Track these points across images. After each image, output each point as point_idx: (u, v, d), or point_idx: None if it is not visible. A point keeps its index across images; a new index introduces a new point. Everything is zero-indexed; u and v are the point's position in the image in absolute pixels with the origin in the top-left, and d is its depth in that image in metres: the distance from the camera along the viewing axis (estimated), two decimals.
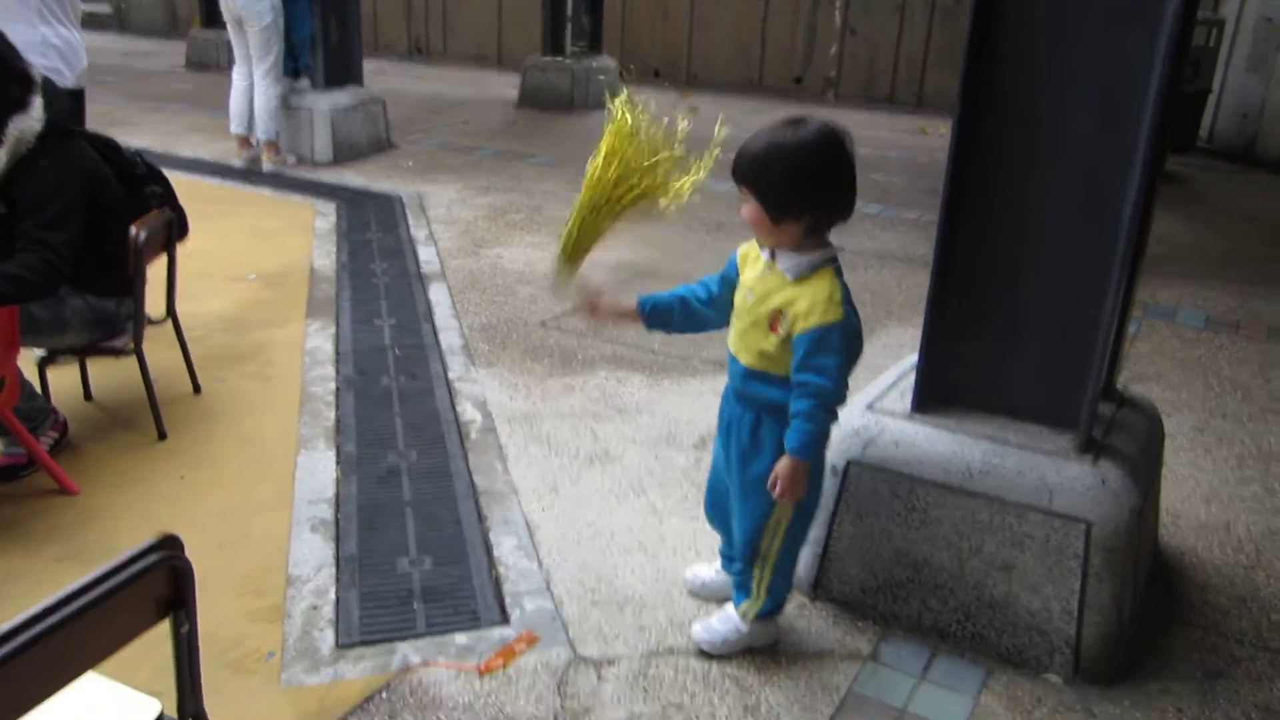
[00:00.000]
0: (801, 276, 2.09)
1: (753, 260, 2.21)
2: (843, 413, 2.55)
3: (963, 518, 2.38)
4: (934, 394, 2.50)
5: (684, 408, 3.65)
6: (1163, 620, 2.58)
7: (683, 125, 2.24)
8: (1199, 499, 3.17)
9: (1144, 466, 2.44)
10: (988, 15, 2.23)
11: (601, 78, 9.99)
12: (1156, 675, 2.38)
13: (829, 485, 2.51)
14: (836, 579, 2.56)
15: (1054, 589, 2.31)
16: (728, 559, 2.52)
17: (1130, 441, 2.45)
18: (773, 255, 2.14)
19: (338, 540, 2.80)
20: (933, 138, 9.32)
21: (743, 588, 2.37)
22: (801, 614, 2.55)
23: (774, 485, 2.14)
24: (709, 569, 2.61)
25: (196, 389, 3.65)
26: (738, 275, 2.25)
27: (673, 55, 12.37)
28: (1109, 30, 2.14)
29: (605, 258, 5.36)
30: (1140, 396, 2.73)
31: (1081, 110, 2.21)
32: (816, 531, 2.57)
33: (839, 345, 2.04)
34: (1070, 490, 2.27)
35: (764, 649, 2.40)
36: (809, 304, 2.05)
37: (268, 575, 2.65)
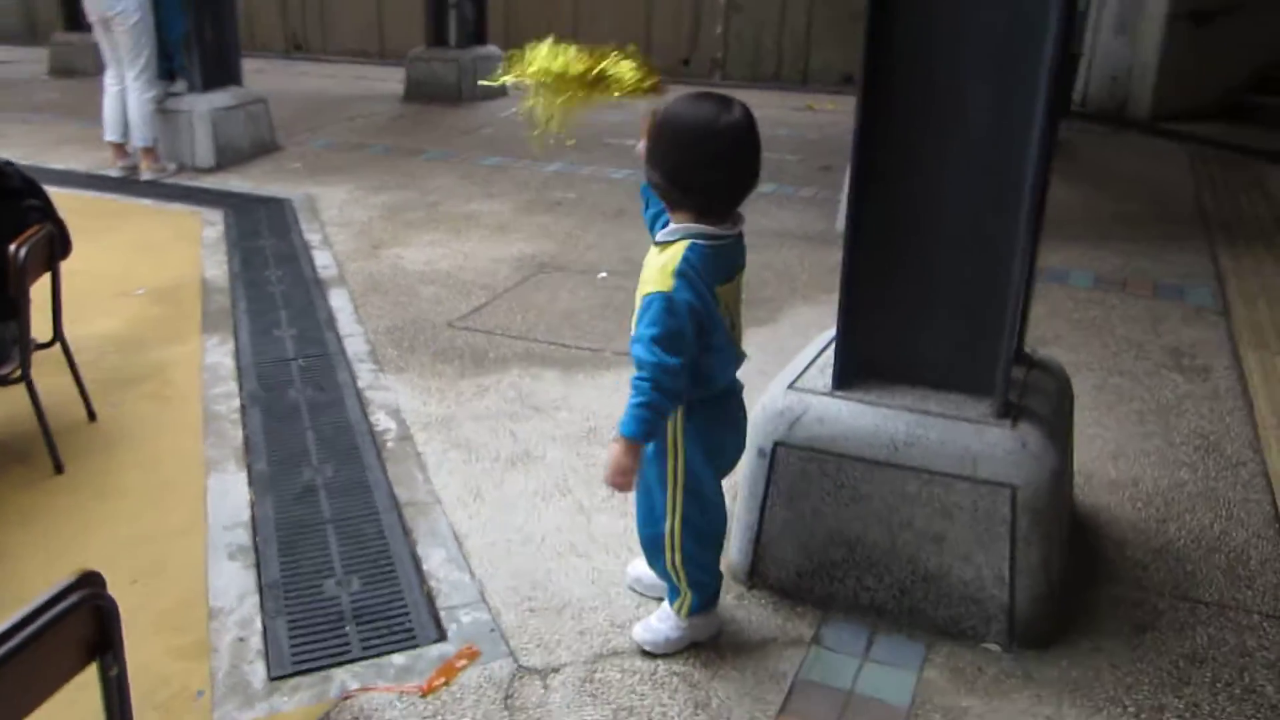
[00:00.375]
0: (657, 244, 2.12)
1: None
2: (767, 394, 2.57)
3: (891, 492, 2.40)
4: (854, 369, 2.51)
5: (601, 401, 3.61)
6: (1086, 578, 2.65)
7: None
8: (1106, 457, 3.27)
9: (1059, 427, 2.50)
10: None
11: (488, 68, 9.84)
12: (1086, 633, 2.44)
13: (757, 469, 2.51)
14: (772, 565, 2.57)
15: (985, 556, 2.35)
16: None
17: (1044, 403, 2.50)
18: None
19: (259, 566, 2.69)
20: (820, 114, 9.43)
21: (672, 587, 2.35)
22: (741, 604, 2.54)
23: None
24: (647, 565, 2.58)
25: (91, 415, 3.47)
26: None
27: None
28: None
29: (506, 252, 5.32)
30: (1049, 359, 2.79)
31: (979, 76, 2.23)
32: (748, 518, 2.57)
33: (658, 316, 2.01)
34: (993, 456, 2.31)
35: (708, 641, 2.39)
36: (647, 272, 2.07)
37: (188, 608, 2.53)
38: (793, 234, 5.64)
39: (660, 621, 2.38)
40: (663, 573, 2.35)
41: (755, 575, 2.59)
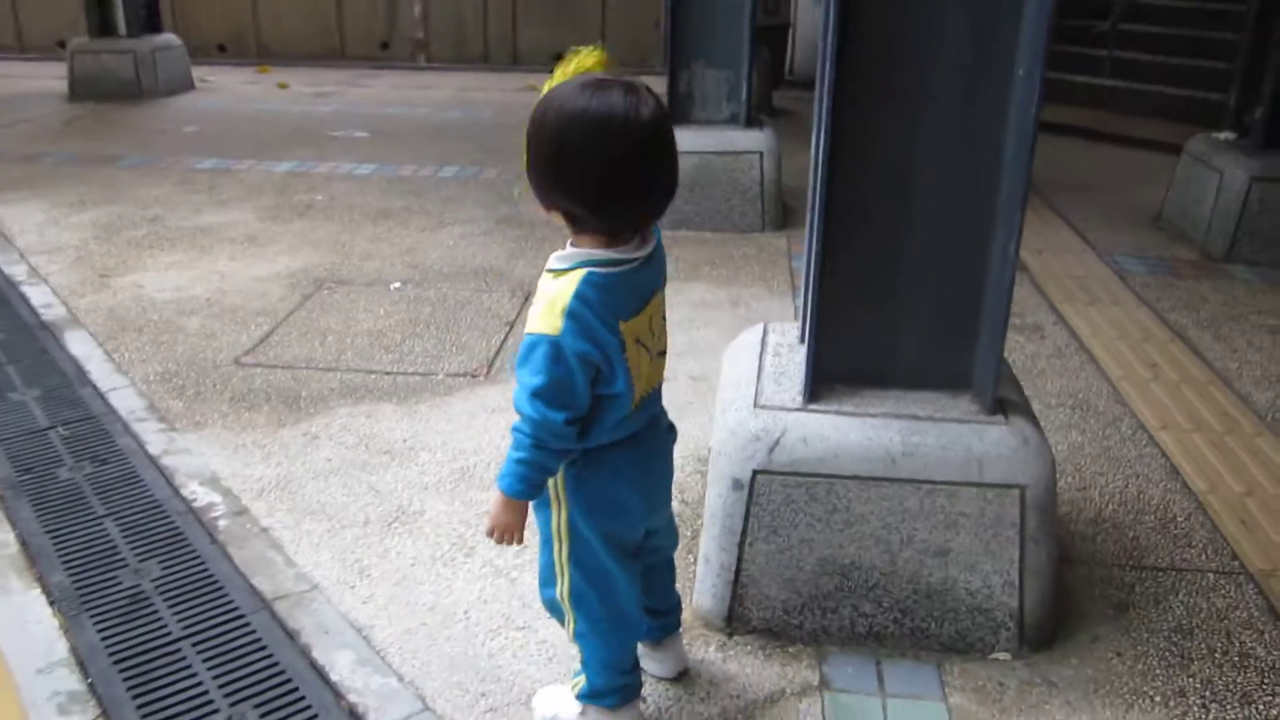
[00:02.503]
0: (551, 271, 1.67)
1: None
2: (731, 416, 2.25)
3: (890, 509, 2.16)
4: (821, 377, 2.25)
5: (459, 435, 3.13)
6: None
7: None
8: None
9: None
10: None
11: (170, 60, 8.70)
12: (1080, 624, 2.34)
13: (733, 503, 2.20)
14: (754, 606, 2.26)
15: (993, 563, 2.18)
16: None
17: (1014, 390, 2.36)
18: None
19: (107, 717, 2.04)
20: None
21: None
22: (726, 655, 2.22)
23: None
24: None
25: None
26: None
27: (237, 28, 11.11)
28: None
29: (269, 269, 4.61)
30: None
31: (956, 28, 2.01)
32: (723, 558, 2.25)
33: (542, 364, 1.61)
34: (999, 457, 2.13)
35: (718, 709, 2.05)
36: (536, 305, 1.65)
37: None
38: None
39: (557, 697, 2.03)
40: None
41: (735, 620, 2.28)
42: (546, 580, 1.90)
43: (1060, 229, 5.24)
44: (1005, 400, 2.24)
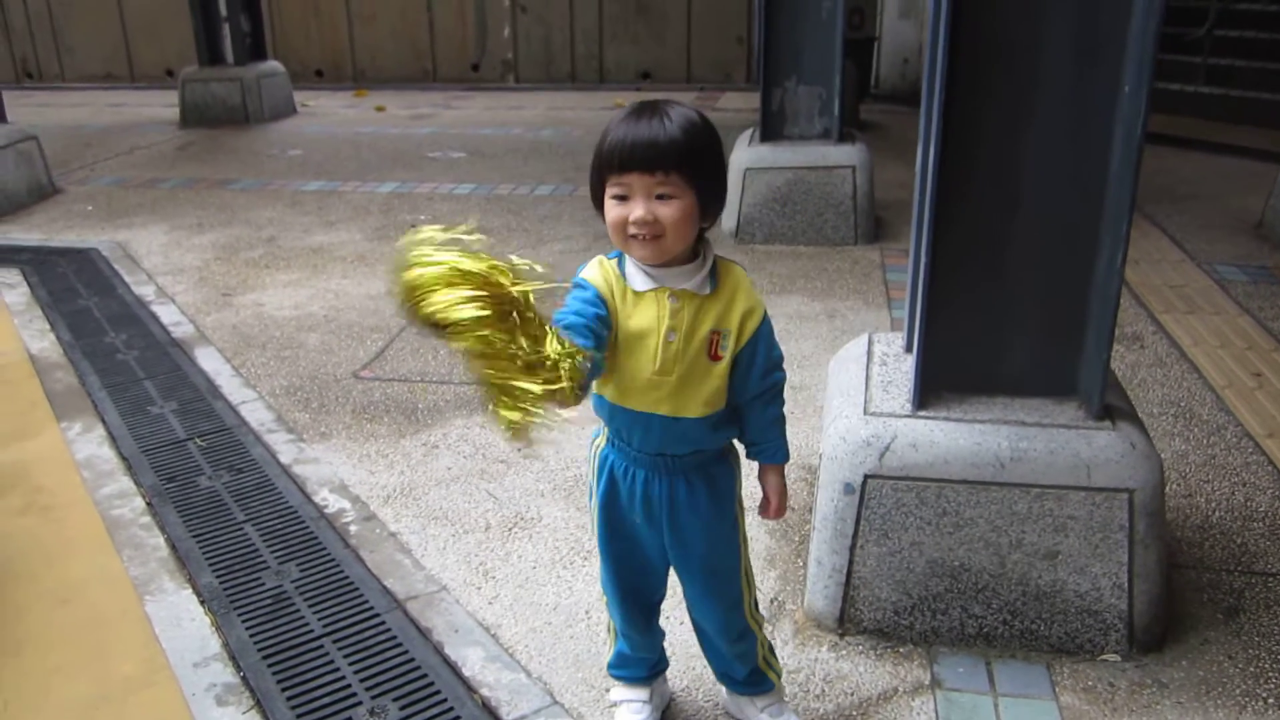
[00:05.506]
0: (716, 285, 1.71)
1: (633, 295, 1.68)
2: (842, 423, 2.33)
3: (999, 513, 2.22)
4: (930, 385, 2.32)
5: (569, 444, 3.26)
6: None
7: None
8: None
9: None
10: None
11: (274, 86, 9.08)
12: (1190, 627, 2.36)
13: (844, 507, 2.28)
14: (866, 607, 2.34)
15: (1102, 566, 2.22)
16: (647, 664, 2.10)
17: (1120, 398, 2.40)
18: (655, 283, 1.68)
19: (262, 708, 2.20)
20: None
21: (755, 672, 2.03)
22: (839, 655, 2.30)
23: (767, 508, 1.89)
24: (640, 713, 2.11)
25: None
26: (608, 315, 1.67)
27: (334, 54, 11.52)
28: None
29: (379, 287, 4.81)
30: None
31: (1061, 41, 2.07)
32: (835, 560, 2.33)
33: (773, 333, 1.79)
34: (1107, 461, 2.17)
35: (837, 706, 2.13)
36: (745, 304, 1.70)
37: None
38: None
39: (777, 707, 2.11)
40: (744, 655, 2.05)
41: (847, 621, 2.35)
42: (739, 587, 1.93)
43: (1157, 239, 5.19)
44: (1112, 406, 2.29)
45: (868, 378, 2.48)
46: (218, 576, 2.66)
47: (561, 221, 5.74)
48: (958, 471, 2.21)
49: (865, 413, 2.32)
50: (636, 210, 1.59)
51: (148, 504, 3.00)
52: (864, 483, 2.26)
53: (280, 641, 2.41)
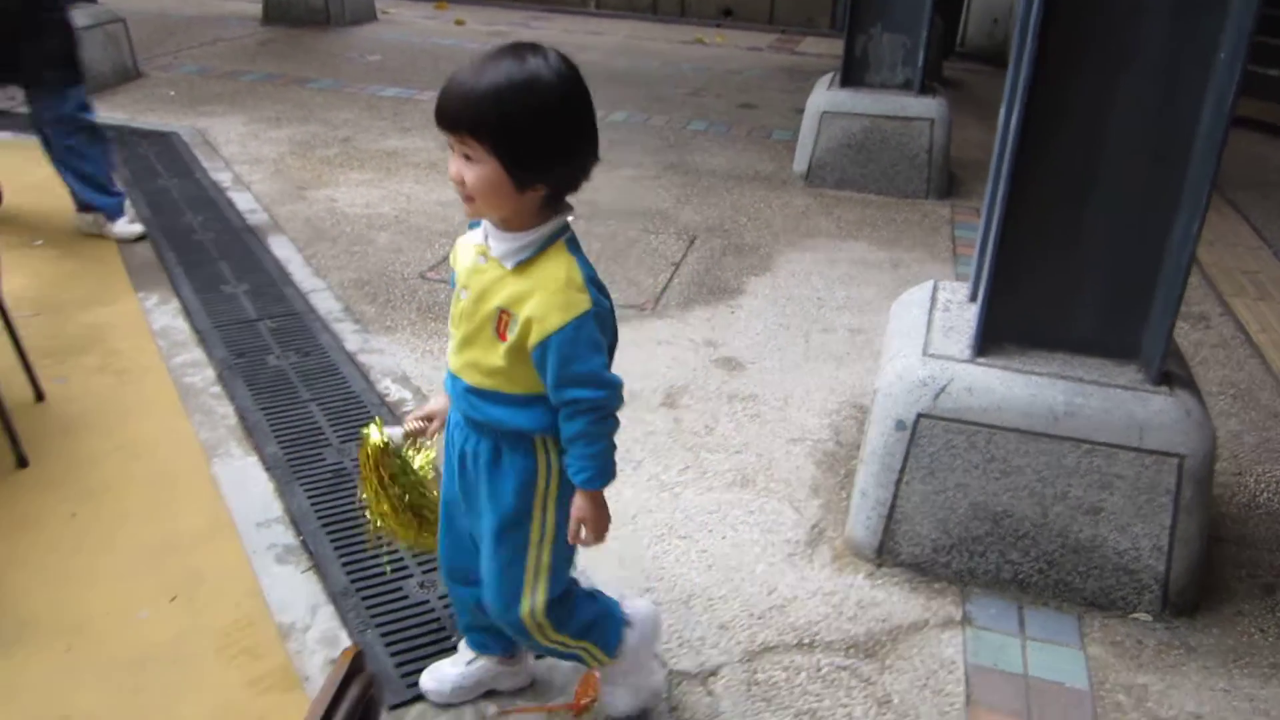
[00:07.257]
0: (524, 262, 1.54)
1: (464, 248, 1.65)
2: (900, 362, 2.37)
3: (1047, 464, 2.26)
4: (992, 334, 2.35)
5: (626, 360, 3.29)
6: None
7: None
8: None
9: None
10: None
11: None
12: (1224, 598, 2.40)
13: (894, 442, 2.33)
14: (905, 541, 2.39)
15: (1144, 527, 2.25)
16: (482, 630, 1.94)
17: (1180, 366, 2.41)
18: (485, 237, 1.59)
19: (320, 570, 2.32)
20: (713, 48, 9.20)
21: (571, 656, 1.89)
22: (874, 584, 2.37)
23: (577, 534, 1.67)
24: (455, 664, 2.00)
25: (39, 395, 2.93)
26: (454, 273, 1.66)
27: None
28: None
29: (450, 195, 4.88)
30: None
31: (1159, 12, 2.06)
32: (879, 493, 2.38)
33: (597, 339, 1.54)
34: (1161, 425, 2.20)
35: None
36: (544, 300, 1.51)
37: (252, 627, 2.14)
38: (745, 175, 5.42)
39: (610, 684, 1.94)
40: (549, 651, 1.86)
41: (885, 553, 2.42)
42: (519, 578, 1.73)
43: (1236, 223, 5.10)
44: (1171, 373, 2.30)
45: (930, 322, 2.51)
46: (282, 448, 2.77)
47: (632, 148, 5.76)
48: (1011, 420, 2.25)
49: (924, 353, 2.36)
50: (450, 166, 1.52)
51: (219, 375, 3.11)
52: (916, 421, 2.30)
53: (338, 512, 2.52)
